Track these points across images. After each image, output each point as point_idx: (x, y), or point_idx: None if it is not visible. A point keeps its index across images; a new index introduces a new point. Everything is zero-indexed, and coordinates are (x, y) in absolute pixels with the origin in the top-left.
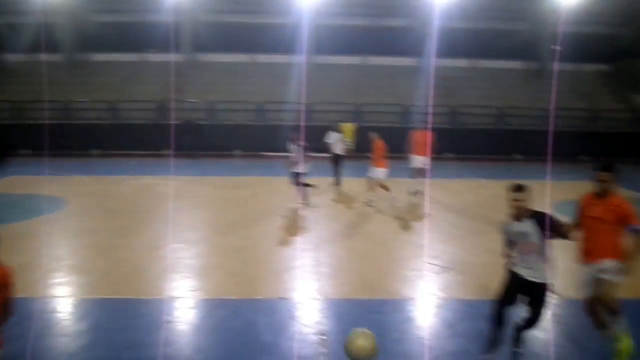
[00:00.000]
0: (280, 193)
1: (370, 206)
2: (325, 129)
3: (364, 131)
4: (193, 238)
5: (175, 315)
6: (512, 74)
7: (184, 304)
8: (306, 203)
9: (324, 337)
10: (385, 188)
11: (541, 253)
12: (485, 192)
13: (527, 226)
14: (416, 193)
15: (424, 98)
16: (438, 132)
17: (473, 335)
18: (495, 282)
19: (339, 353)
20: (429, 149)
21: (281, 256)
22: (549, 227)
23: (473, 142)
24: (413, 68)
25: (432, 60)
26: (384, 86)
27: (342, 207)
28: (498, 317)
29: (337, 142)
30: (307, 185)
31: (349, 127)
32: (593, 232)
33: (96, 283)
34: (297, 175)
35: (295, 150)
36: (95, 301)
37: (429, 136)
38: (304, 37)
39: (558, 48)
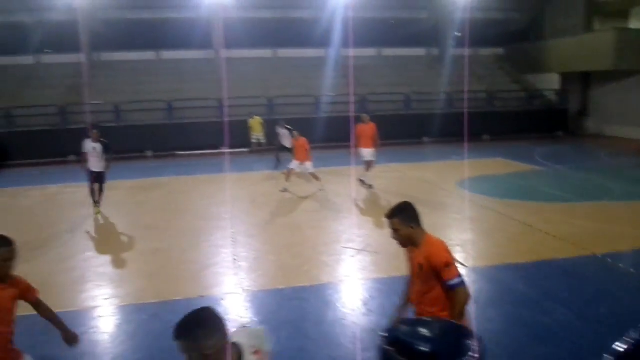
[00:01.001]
0: (194, 191)
1: (284, 192)
2: (239, 124)
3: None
4: (105, 245)
5: (90, 326)
6: (416, 60)
7: (98, 313)
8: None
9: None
10: (316, 178)
11: None
12: (395, 175)
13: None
14: (365, 184)
15: (334, 88)
16: (351, 121)
17: (386, 312)
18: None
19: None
20: (373, 141)
21: (199, 255)
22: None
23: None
24: (322, 59)
25: (339, 51)
26: (294, 78)
27: (262, 199)
28: None
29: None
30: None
31: (257, 120)
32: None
33: None
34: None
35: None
36: None
37: (373, 128)
38: (212, 31)
39: (457, 34)
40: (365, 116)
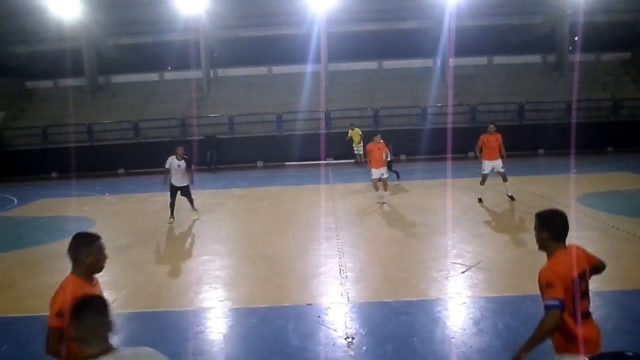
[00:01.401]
0: (301, 201)
1: (382, 203)
2: (345, 135)
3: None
4: (220, 249)
5: (205, 325)
6: (530, 68)
7: (213, 314)
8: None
9: (351, 340)
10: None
11: None
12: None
13: None
14: (509, 196)
15: (442, 98)
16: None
17: (499, 332)
18: (518, 277)
19: (367, 355)
20: (500, 152)
21: (307, 263)
22: None
23: None
24: (428, 69)
25: (447, 60)
26: (400, 89)
27: (367, 211)
28: None
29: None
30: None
31: (357, 132)
32: None
33: (128, 298)
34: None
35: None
36: (128, 316)
37: (498, 139)
38: (319, 45)
39: (576, 39)
40: (491, 127)
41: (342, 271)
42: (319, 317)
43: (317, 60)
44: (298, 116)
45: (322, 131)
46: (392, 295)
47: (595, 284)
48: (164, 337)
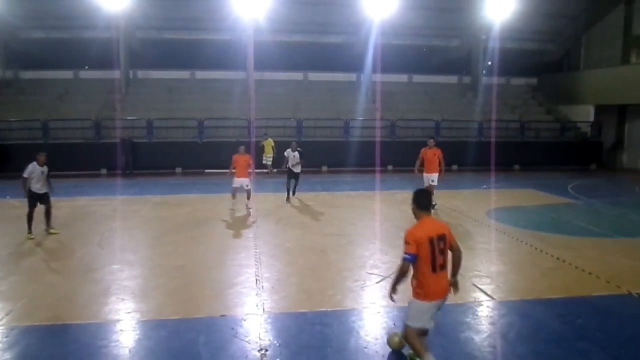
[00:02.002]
0: (220, 208)
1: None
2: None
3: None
4: (131, 258)
5: (110, 339)
6: (448, 88)
7: (119, 327)
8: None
9: (264, 352)
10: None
11: None
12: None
13: None
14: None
15: (364, 112)
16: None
17: None
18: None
19: None
20: (439, 166)
21: (222, 273)
22: None
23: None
24: (352, 83)
25: (370, 76)
26: (324, 101)
27: (286, 221)
28: None
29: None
30: None
31: (269, 142)
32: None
33: (25, 310)
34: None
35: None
36: (24, 329)
37: (438, 153)
38: (245, 53)
39: (489, 63)
40: (431, 141)
41: (258, 281)
42: (233, 329)
43: (242, 67)
44: (220, 123)
45: (250, 139)
46: (308, 305)
47: (500, 293)
48: (63, 353)
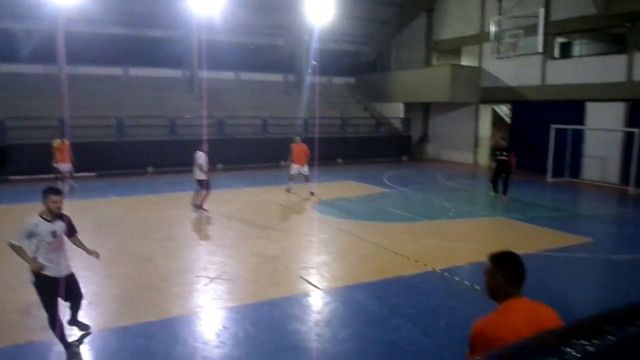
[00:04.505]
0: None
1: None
2: (88, 146)
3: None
4: None
5: None
6: (274, 86)
7: None
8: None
9: None
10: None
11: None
12: (252, 199)
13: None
14: (313, 195)
15: (191, 110)
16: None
17: (239, 342)
18: (258, 285)
19: None
20: (306, 158)
21: (27, 292)
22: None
23: (241, 152)
24: (177, 80)
25: (196, 72)
26: (147, 99)
27: (107, 229)
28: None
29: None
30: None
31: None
32: None
33: None
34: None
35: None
36: None
37: (304, 148)
38: (55, 44)
39: (313, 62)
40: (297, 138)
41: None
42: (43, 355)
43: (52, 61)
44: (27, 123)
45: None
46: (131, 318)
47: (324, 282)
48: None
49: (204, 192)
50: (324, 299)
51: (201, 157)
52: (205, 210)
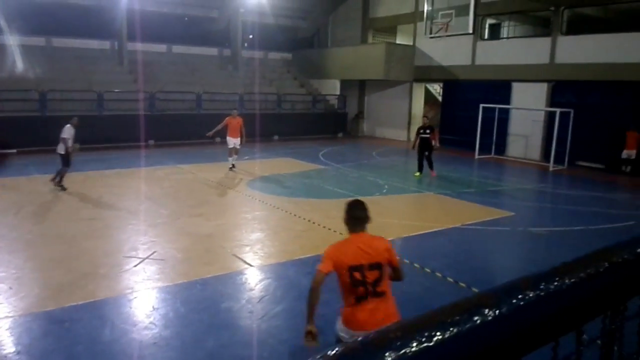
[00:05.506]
0: None
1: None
2: (8, 121)
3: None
4: None
5: None
6: (208, 60)
7: None
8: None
9: None
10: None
11: None
12: (186, 177)
13: None
14: (232, 168)
15: (120, 84)
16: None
17: (170, 322)
18: (190, 263)
19: None
20: (240, 133)
21: None
22: None
23: (173, 129)
24: (105, 51)
25: (126, 44)
26: (72, 71)
27: (29, 209)
28: None
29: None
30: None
31: None
32: None
33: None
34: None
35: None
36: None
37: (240, 122)
38: None
39: (249, 37)
40: (234, 111)
41: None
42: None
43: None
44: None
45: None
46: (55, 302)
47: (258, 260)
48: None
49: (66, 168)
50: (257, 276)
51: (66, 130)
52: (64, 188)
